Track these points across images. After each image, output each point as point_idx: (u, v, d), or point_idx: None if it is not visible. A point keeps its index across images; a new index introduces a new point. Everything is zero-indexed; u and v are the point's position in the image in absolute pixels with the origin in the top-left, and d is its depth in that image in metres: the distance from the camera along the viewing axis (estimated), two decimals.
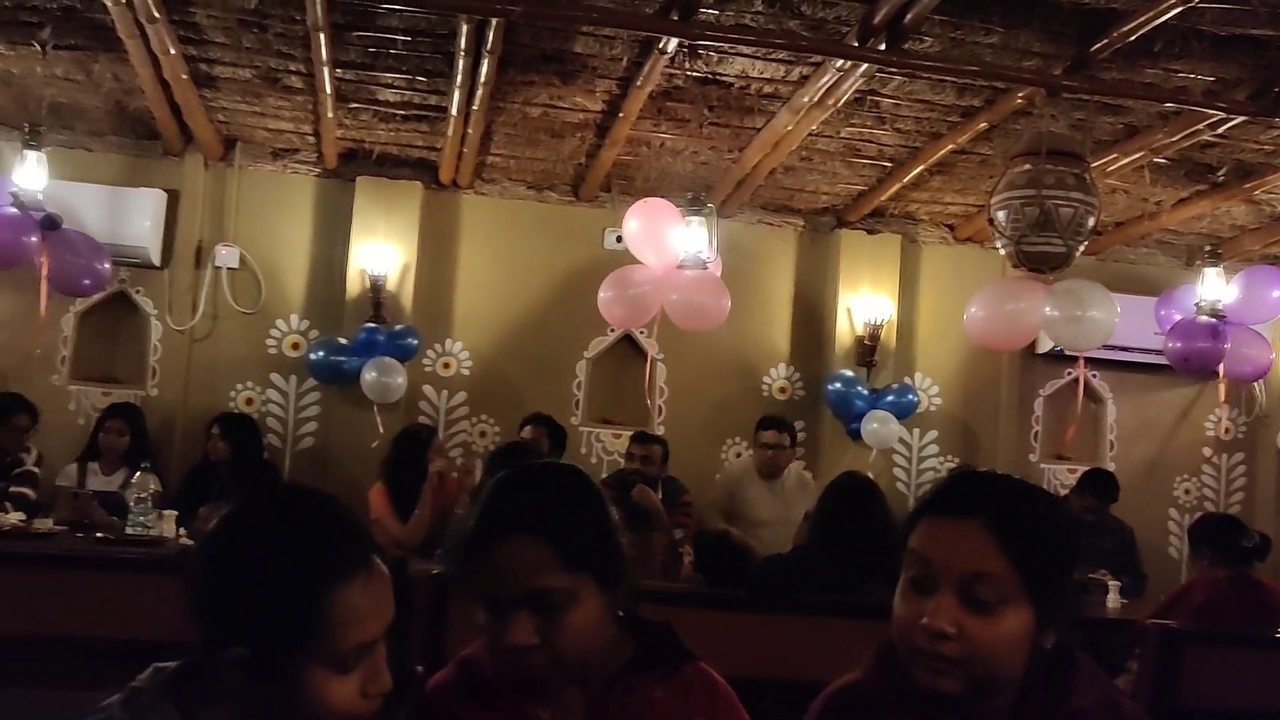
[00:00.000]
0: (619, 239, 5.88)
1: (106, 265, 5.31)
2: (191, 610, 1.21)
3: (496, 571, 1.33)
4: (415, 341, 5.93)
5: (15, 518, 4.39)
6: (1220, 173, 5.41)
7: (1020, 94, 4.55)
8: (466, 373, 6.32)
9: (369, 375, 5.74)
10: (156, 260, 5.89)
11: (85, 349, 6.01)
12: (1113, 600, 4.80)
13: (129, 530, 4.33)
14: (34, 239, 4.88)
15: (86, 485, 5.14)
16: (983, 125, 4.97)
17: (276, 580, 1.17)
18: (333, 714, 1.19)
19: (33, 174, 4.95)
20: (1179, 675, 3.69)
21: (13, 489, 4.92)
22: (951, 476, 1.47)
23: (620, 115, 5.07)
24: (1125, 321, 4.97)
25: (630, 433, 5.84)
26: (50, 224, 4.92)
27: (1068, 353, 5.89)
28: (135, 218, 5.73)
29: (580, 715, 1.40)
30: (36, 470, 5.12)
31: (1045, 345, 6.53)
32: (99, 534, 4.31)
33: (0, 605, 3.30)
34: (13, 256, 4.92)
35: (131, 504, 4.42)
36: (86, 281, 5.21)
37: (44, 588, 3.42)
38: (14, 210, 4.88)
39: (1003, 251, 4.24)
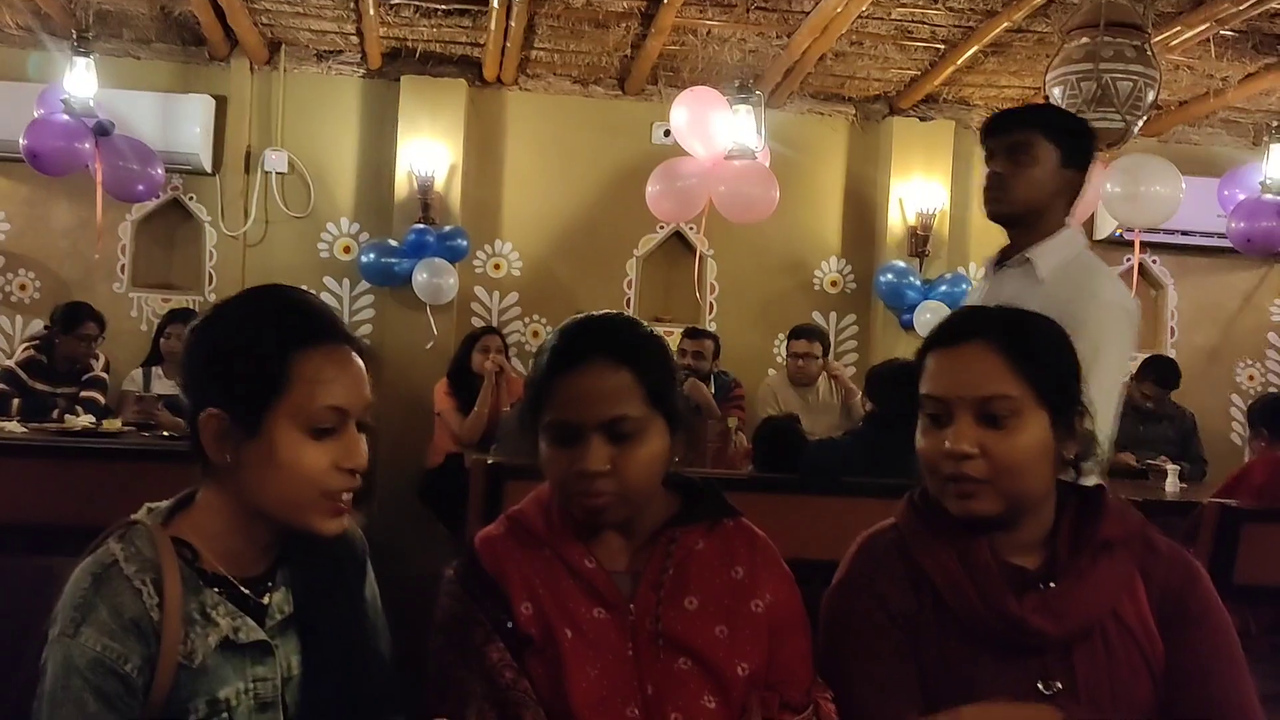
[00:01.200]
0: (667, 133, 5.82)
1: (159, 171, 5.37)
2: (184, 394, 1.32)
3: (578, 396, 1.36)
4: (465, 242, 5.94)
5: (86, 420, 4.53)
6: None
7: None
8: (517, 273, 6.34)
9: (420, 277, 5.77)
10: (208, 166, 5.94)
11: (144, 257, 6.10)
12: (1172, 485, 4.77)
13: None
14: (87, 145, 4.95)
15: (151, 389, 5.27)
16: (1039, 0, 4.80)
17: (243, 343, 1.27)
18: (305, 479, 1.25)
19: (82, 80, 4.99)
20: (1235, 553, 3.69)
21: (83, 394, 5.07)
22: (951, 314, 1.52)
23: (665, 2, 4.97)
24: (1187, 204, 4.85)
25: (682, 330, 5.85)
26: (102, 130, 4.98)
27: (1125, 236, 5.77)
28: (185, 124, 5.76)
29: (624, 563, 1.43)
30: (104, 376, 5.26)
31: (1104, 231, 6.40)
32: (165, 433, 4.45)
33: (75, 497, 3.44)
34: (67, 162, 4.99)
35: None
36: (140, 187, 5.28)
37: (115, 480, 3.56)
38: (66, 117, 4.93)
39: None
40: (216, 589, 1.27)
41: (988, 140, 2.48)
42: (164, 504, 1.33)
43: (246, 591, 1.29)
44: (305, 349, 1.26)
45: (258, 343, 1.26)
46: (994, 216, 2.48)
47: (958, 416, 1.36)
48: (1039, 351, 1.39)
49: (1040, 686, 1.35)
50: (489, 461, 3.58)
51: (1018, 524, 1.40)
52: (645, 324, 1.50)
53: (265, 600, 1.31)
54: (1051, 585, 1.38)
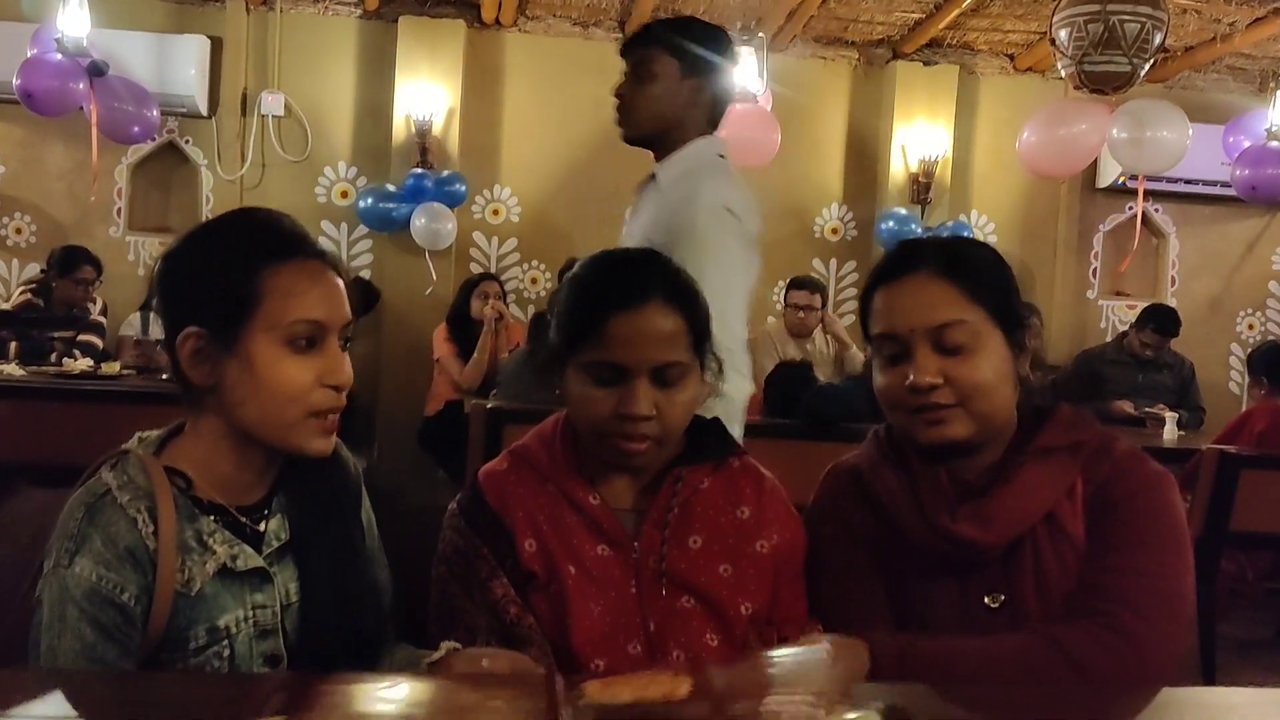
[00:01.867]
0: None
1: (155, 112, 5.31)
2: (162, 322, 1.29)
3: (634, 337, 1.33)
4: (463, 187, 5.89)
5: (85, 364, 4.53)
6: None
7: None
8: (516, 219, 6.30)
9: (419, 222, 5.74)
10: (203, 109, 5.88)
11: (140, 200, 6.07)
12: (1170, 432, 4.78)
13: None
14: (81, 86, 4.88)
15: (149, 333, 5.26)
16: None
17: (214, 261, 1.25)
18: (289, 395, 1.24)
19: (76, 19, 4.90)
20: (1233, 500, 3.70)
21: (80, 337, 5.06)
22: (888, 252, 1.49)
23: None
24: (1192, 152, 4.80)
25: None
26: (96, 70, 4.90)
27: (1128, 184, 5.73)
28: (180, 66, 5.69)
29: (629, 501, 1.43)
30: (102, 320, 5.24)
31: (1106, 178, 6.37)
32: (164, 376, 4.43)
33: (75, 439, 3.44)
34: (61, 103, 4.92)
35: None
36: (136, 129, 5.22)
37: (115, 422, 3.56)
38: (60, 57, 4.87)
39: (1064, 73, 4.08)
40: (212, 517, 1.26)
41: (624, 64, 2.38)
42: (155, 433, 1.31)
43: (243, 519, 1.28)
44: (276, 263, 1.24)
45: (228, 259, 1.24)
46: (625, 139, 2.38)
47: (917, 349, 1.36)
48: (981, 272, 1.40)
49: (987, 600, 1.36)
50: (489, 405, 3.58)
51: (981, 450, 1.40)
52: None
53: (261, 528, 1.30)
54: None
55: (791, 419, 3.71)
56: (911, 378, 1.35)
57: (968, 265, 1.39)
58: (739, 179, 2.31)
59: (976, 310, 1.36)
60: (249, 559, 1.27)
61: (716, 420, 1.53)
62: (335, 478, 1.37)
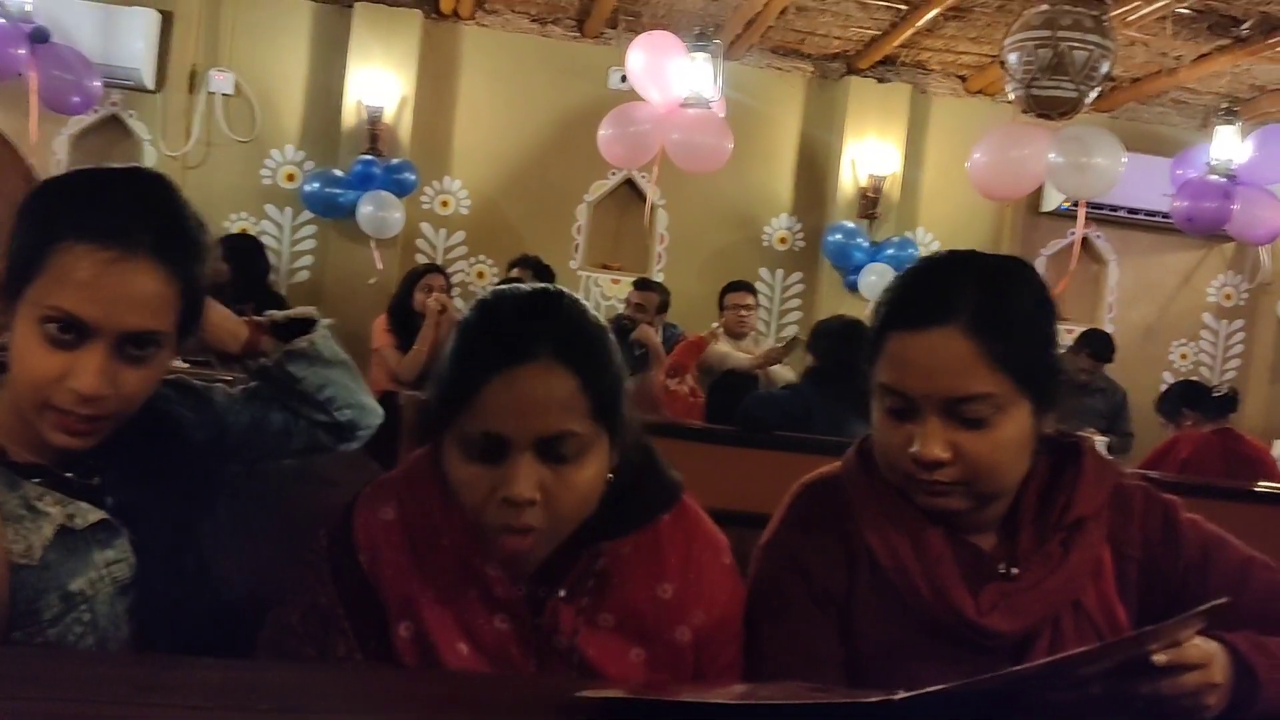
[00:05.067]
0: (623, 79, 5.74)
1: (98, 84, 5.20)
2: None
3: (513, 404, 1.09)
4: (413, 177, 5.83)
5: None
6: (1245, 26, 5.24)
7: None
8: (465, 211, 6.25)
9: (365, 209, 5.67)
10: (149, 84, 5.76)
11: None
12: None
13: None
14: (22, 51, 4.77)
15: None
16: None
17: (24, 220, 1.15)
18: (29, 381, 1.13)
19: None
20: None
21: None
22: (912, 276, 1.24)
23: None
24: (1135, 181, 4.89)
25: (628, 279, 5.81)
26: (39, 36, 4.80)
27: (1071, 209, 5.82)
28: (127, 38, 5.57)
29: (532, 566, 1.20)
30: None
31: (1051, 203, 6.46)
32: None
33: None
34: (1, 68, 4.81)
35: None
36: (77, 99, 5.11)
37: None
38: (1, 21, 4.75)
39: (1012, 96, 4.13)
40: (36, 480, 1.15)
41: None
42: None
43: (69, 475, 1.17)
44: (74, 241, 1.11)
45: (33, 220, 1.14)
46: None
47: (926, 416, 1.15)
48: (1019, 333, 1.16)
49: None
50: (423, 399, 3.54)
51: (984, 509, 1.23)
52: (588, 307, 1.19)
53: (95, 481, 1.19)
54: (1013, 571, 1.21)
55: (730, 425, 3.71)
56: (917, 448, 1.16)
57: (1004, 323, 1.15)
58: None
59: (1003, 379, 1.14)
60: (89, 514, 1.16)
61: (651, 460, 1.26)
62: (170, 448, 1.26)
